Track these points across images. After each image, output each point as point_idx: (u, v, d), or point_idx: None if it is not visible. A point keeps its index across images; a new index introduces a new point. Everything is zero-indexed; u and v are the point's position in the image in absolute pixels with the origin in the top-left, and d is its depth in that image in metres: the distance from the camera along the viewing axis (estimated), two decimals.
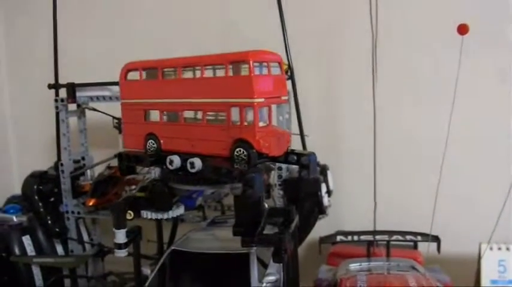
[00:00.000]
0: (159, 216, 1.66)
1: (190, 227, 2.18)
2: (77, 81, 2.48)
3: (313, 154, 1.63)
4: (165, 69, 1.68)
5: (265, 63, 1.53)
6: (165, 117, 1.70)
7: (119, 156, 1.76)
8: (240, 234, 1.56)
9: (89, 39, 3.30)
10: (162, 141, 1.69)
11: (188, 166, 1.56)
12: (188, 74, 1.63)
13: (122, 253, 1.65)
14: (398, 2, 2.69)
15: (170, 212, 1.67)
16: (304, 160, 1.61)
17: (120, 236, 1.62)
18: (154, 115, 1.75)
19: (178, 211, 1.71)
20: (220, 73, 1.58)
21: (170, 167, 1.60)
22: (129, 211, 1.64)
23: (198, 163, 1.54)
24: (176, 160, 1.58)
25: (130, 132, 1.81)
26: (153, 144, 1.70)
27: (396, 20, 2.66)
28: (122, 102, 1.82)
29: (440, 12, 2.64)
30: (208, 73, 1.58)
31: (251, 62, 1.45)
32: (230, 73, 1.50)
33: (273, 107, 1.57)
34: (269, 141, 1.50)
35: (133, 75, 1.79)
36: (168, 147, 1.68)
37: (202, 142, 1.58)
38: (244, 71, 1.48)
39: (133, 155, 1.76)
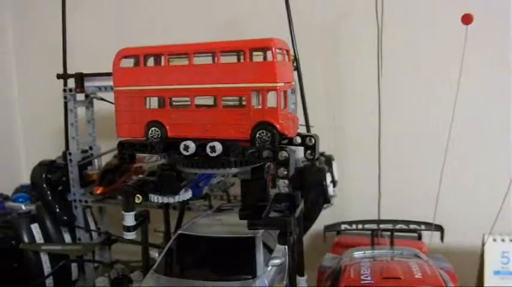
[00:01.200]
0: (167, 200, 1.68)
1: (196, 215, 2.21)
2: (84, 71, 2.51)
3: (316, 135, 1.68)
4: (172, 55, 1.66)
5: (283, 51, 1.62)
6: (171, 104, 1.67)
7: (121, 145, 1.70)
8: (246, 217, 1.59)
9: (97, 29, 3.33)
10: (168, 127, 1.66)
11: (208, 150, 1.56)
12: (199, 60, 1.63)
13: (130, 236, 1.67)
14: None
15: (178, 196, 1.69)
16: (308, 141, 1.68)
17: (129, 218, 1.65)
18: (157, 102, 1.72)
19: (186, 195, 1.73)
20: (232, 59, 1.61)
21: (185, 152, 1.58)
22: (138, 195, 1.66)
23: (218, 146, 1.56)
24: (192, 146, 1.58)
25: (126, 121, 1.73)
26: (157, 131, 1.67)
27: (401, 12, 2.68)
28: (116, 89, 1.74)
29: (445, 2, 2.66)
30: (223, 59, 1.60)
31: (274, 49, 1.53)
32: (251, 59, 1.55)
33: (288, 91, 1.61)
34: (288, 123, 1.57)
35: (129, 62, 1.74)
36: (175, 133, 1.66)
37: (218, 126, 1.60)
38: (263, 57, 1.56)
39: (138, 143, 1.68)
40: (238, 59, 1.60)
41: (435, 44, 2.69)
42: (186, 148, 1.59)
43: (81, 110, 2.65)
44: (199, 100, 1.64)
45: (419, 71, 2.76)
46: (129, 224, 1.65)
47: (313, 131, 2.42)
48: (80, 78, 2.49)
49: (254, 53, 1.55)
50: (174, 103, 1.67)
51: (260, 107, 1.55)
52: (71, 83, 2.55)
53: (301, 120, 2.37)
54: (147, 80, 1.69)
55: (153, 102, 1.71)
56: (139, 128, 1.70)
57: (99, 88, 2.52)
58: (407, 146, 2.81)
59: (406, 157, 2.81)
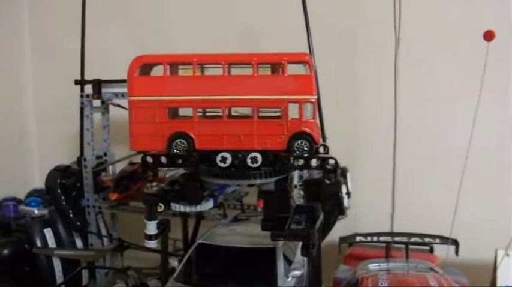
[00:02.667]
0: (189, 209, 1.69)
1: (211, 225, 2.22)
2: (96, 77, 2.52)
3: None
4: (204, 65, 1.65)
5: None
6: (200, 115, 1.65)
7: (145, 157, 1.66)
8: (270, 228, 1.60)
9: (114, 35, 3.34)
10: (195, 139, 1.64)
11: (249, 161, 1.59)
12: (233, 71, 1.64)
13: (152, 244, 1.67)
14: (423, 3, 2.69)
15: (200, 205, 1.70)
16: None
17: (151, 227, 1.65)
18: (183, 113, 1.70)
19: (208, 204, 1.74)
20: (264, 71, 1.64)
21: (222, 164, 1.59)
22: (160, 203, 1.67)
23: (259, 157, 1.60)
24: (229, 157, 1.59)
25: (143, 133, 1.66)
26: (183, 143, 1.64)
27: (420, 22, 2.67)
28: (132, 99, 1.66)
29: (466, 15, 2.66)
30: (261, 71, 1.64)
31: (311, 63, 1.63)
32: (287, 72, 1.62)
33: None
34: (318, 133, 1.69)
35: (149, 70, 1.71)
36: (204, 145, 1.64)
37: (253, 138, 1.62)
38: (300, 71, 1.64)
39: (166, 156, 1.65)
40: (273, 71, 1.64)
41: (454, 55, 2.68)
42: (224, 159, 1.60)
43: (95, 116, 2.66)
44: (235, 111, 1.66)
45: (437, 81, 2.73)
46: (151, 233, 1.65)
47: (327, 142, 2.45)
48: (98, 84, 2.50)
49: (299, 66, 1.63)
50: (203, 114, 1.65)
51: (296, 118, 1.62)
52: (87, 88, 2.57)
53: None
54: (171, 89, 1.65)
55: (182, 113, 1.68)
56: (160, 141, 1.65)
57: (116, 95, 2.53)
58: (423, 158, 2.79)
59: (420, 169, 2.80)
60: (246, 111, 1.67)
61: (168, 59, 1.65)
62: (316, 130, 1.65)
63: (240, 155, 1.61)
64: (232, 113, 1.70)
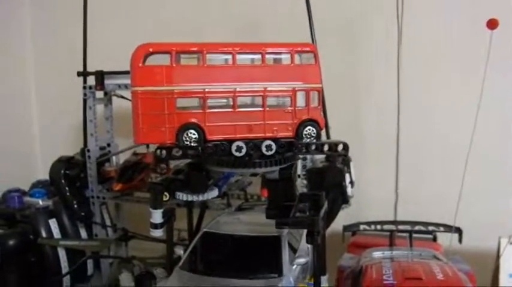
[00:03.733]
0: (195, 198, 1.69)
1: (215, 214, 2.23)
2: (99, 68, 2.52)
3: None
4: (212, 54, 1.60)
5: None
6: (210, 105, 1.60)
7: (159, 153, 1.59)
8: (274, 216, 1.61)
9: (116, 27, 3.34)
10: (206, 130, 1.59)
11: (264, 149, 1.60)
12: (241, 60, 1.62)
13: (157, 233, 1.68)
14: None
15: (204, 194, 1.70)
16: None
17: (157, 216, 1.65)
18: (192, 103, 1.63)
19: (213, 193, 1.74)
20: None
21: (238, 154, 1.58)
22: (165, 193, 1.67)
23: (273, 145, 1.61)
24: (244, 146, 1.59)
25: (148, 125, 1.57)
26: (194, 134, 1.59)
27: (422, 12, 2.66)
28: (138, 90, 1.57)
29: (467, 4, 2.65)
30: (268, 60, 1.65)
31: (316, 52, 1.68)
32: (296, 61, 1.65)
33: None
34: (322, 120, 1.72)
35: (154, 60, 1.61)
36: (215, 135, 1.60)
37: (263, 126, 1.62)
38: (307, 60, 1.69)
39: (182, 148, 1.59)
40: (275, 61, 1.65)
41: (457, 46, 2.67)
42: (240, 149, 1.59)
43: (98, 107, 2.67)
44: (244, 100, 1.65)
45: (440, 73, 2.73)
46: (156, 222, 1.66)
47: (331, 131, 2.46)
48: (101, 76, 2.50)
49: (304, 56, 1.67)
50: (213, 104, 1.62)
51: (304, 106, 1.66)
52: (90, 80, 2.57)
53: None
54: (181, 79, 1.59)
55: (190, 103, 1.63)
56: (168, 132, 1.58)
57: (119, 86, 2.54)
58: (426, 147, 2.79)
59: (423, 158, 2.80)
60: (246, 100, 1.68)
61: (177, 47, 1.59)
62: (320, 118, 1.70)
63: (251, 144, 1.61)
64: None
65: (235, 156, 1.59)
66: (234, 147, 1.59)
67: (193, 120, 1.59)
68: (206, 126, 1.59)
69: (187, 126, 1.58)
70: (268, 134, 1.62)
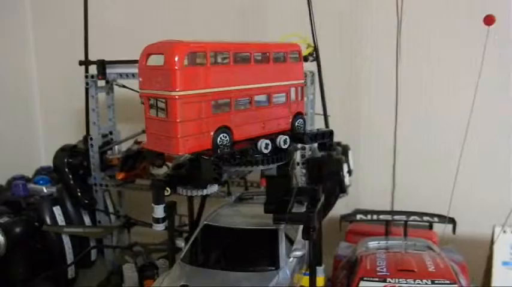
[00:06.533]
0: (196, 193, 1.73)
1: (215, 202, 2.28)
2: (98, 58, 2.54)
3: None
4: (238, 54, 1.57)
5: None
6: (235, 106, 1.57)
7: (217, 165, 1.48)
8: (272, 212, 1.66)
9: (116, 16, 3.35)
10: (234, 131, 1.55)
11: (282, 143, 1.66)
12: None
13: (160, 227, 1.72)
14: None
15: (205, 189, 1.74)
16: None
17: (159, 211, 1.70)
18: (222, 105, 1.55)
19: (213, 188, 1.78)
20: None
21: (266, 151, 1.60)
22: (167, 188, 1.71)
23: (288, 139, 1.68)
24: (270, 143, 1.62)
25: (191, 133, 1.44)
26: (225, 137, 1.53)
27: (422, 3, 2.69)
28: (180, 95, 1.40)
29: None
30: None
31: (301, 52, 1.80)
32: (291, 60, 1.76)
33: None
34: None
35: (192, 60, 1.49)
36: (239, 135, 1.58)
37: (272, 122, 1.69)
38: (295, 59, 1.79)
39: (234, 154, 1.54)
40: (263, 60, 1.68)
41: (455, 37, 2.71)
42: (267, 146, 1.62)
43: (100, 95, 2.69)
44: (258, 98, 1.68)
45: (438, 63, 2.77)
46: (158, 216, 1.70)
47: (329, 120, 2.49)
48: (102, 65, 2.52)
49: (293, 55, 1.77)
50: (238, 105, 1.59)
51: (295, 100, 1.78)
52: (92, 69, 2.60)
53: (319, 109, 2.44)
54: (214, 81, 1.50)
55: (221, 106, 1.56)
56: (206, 138, 1.49)
57: (120, 75, 2.56)
58: (423, 137, 2.85)
59: (421, 149, 2.85)
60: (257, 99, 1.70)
61: (210, 47, 1.50)
62: (304, 109, 1.86)
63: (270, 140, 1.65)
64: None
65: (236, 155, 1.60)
66: (262, 145, 1.60)
67: (224, 123, 1.53)
68: (233, 127, 1.56)
69: (221, 130, 1.53)
70: (274, 130, 1.70)
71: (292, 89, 1.77)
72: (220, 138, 1.52)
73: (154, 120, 1.49)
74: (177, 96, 1.40)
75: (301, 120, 1.81)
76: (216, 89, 1.50)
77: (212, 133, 1.50)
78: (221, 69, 1.53)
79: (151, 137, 1.53)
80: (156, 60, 1.47)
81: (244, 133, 1.60)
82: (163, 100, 1.43)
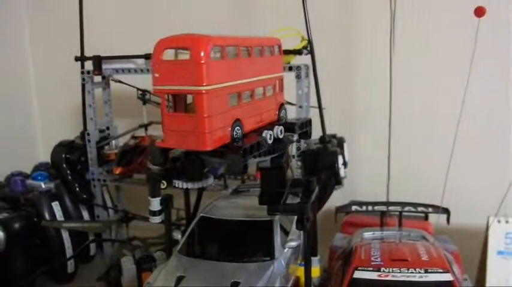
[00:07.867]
0: (191, 185, 1.75)
1: (212, 195, 2.31)
2: (95, 53, 2.55)
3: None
4: (242, 48, 1.59)
5: None
6: (243, 99, 1.59)
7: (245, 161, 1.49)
8: (266, 203, 1.69)
9: (113, 12, 3.37)
10: (243, 123, 1.58)
11: (279, 133, 1.71)
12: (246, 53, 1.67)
13: (156, 220, 1.75)
14: None
15: (201, 182, 1.76)
16: None
17: (155, 204, 1.73)
18: (234, 99, 1.56)
19: (209, 180, 1.81)
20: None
21: (270, 141, 1.64)
22: (163, 181, 1.73)
23: (283, 129, 1.73)
24: (272, 133, 1.67)
25: (217, 127, 1.44)
26: (239, 130, 1.55)
27: None
28: (207, 89, 1.39)
29: None
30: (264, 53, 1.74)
31: (281, 45, 1.86)
32: (276, 53, 1.83)
33: None
34: None
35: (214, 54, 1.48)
36: (247, 128, 1.61)
37: (265, 114, 1.74)
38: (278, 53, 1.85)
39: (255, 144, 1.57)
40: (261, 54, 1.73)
41: (447, 30, 2.73)
42: (271, 136, 1.66)
43: (97, 91, 2.71)
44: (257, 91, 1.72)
45: (431, 55, 2.79)
46: (155, 209, 1.73)
47: (324, 112, 2.50)
48: (98, 61, 2.54)
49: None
50: (244, 98, 1.60)
51: (278, 92, 1.84)
52: (88, 64, 2.61)
53: (313, 102, 2.46)
54: (228, 75, 1.50)
55: (233, 99, 1.56)
56: (227, 132, 1.50)
57: (116, 70, 2.58)
58: (417, 128, 2.87)
59: (415, 139, 2.88)
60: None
61: (227, 41, 1.51)
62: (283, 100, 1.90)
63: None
64: None
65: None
66: (267, 136, 1.63)
67: (238, 116, 1.55)
68: (243, 120, 1.58)
69: (236, 123, 1.54)
70: (268, 121, 1.74)
71: (277, 81, 1.84)
72: (235, 131, 1.53)
73: (175, 117, 1.46)
74: (204, 91, 1.38)
75: (284, 111, 1.88)
76: (232, 83, 1.51)
77: (230, 127, 1.52)
78: (233, 63, 1.54)
79: (170, 135, 1.47)
80: (172, 55, 1.46)
81: (248, 125, 1.64)
82: (190, 96, 1.43)
